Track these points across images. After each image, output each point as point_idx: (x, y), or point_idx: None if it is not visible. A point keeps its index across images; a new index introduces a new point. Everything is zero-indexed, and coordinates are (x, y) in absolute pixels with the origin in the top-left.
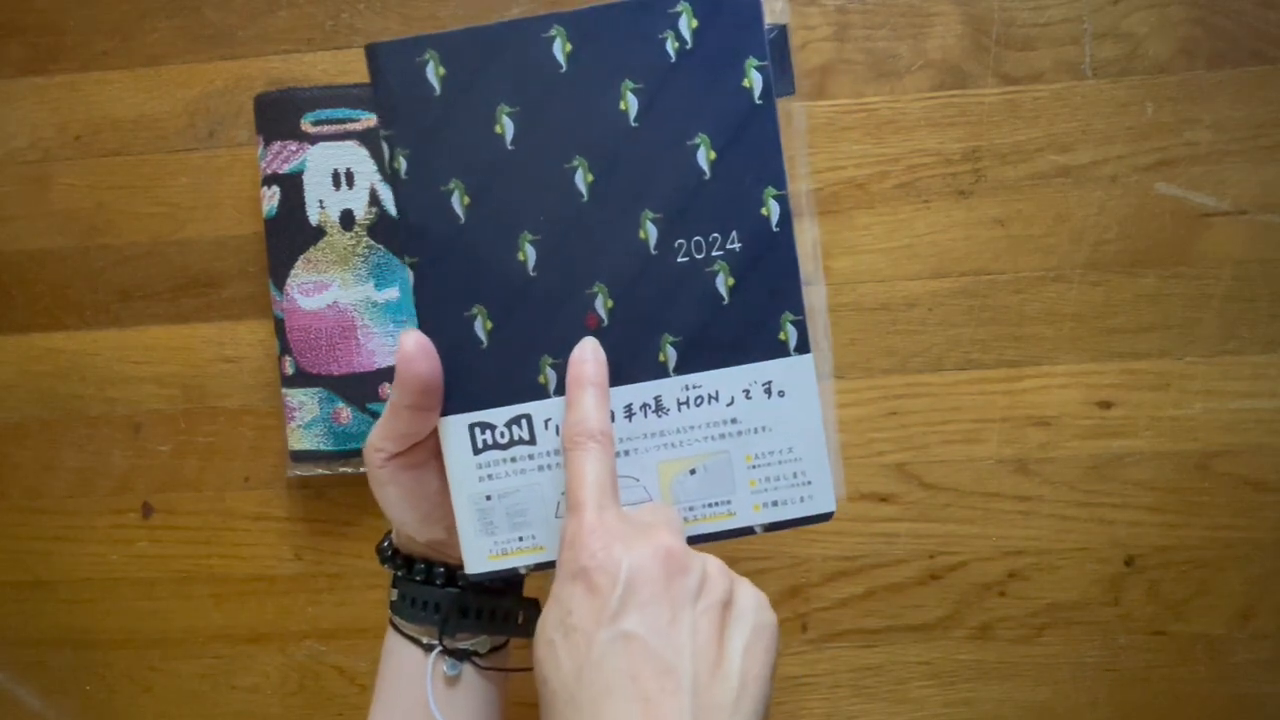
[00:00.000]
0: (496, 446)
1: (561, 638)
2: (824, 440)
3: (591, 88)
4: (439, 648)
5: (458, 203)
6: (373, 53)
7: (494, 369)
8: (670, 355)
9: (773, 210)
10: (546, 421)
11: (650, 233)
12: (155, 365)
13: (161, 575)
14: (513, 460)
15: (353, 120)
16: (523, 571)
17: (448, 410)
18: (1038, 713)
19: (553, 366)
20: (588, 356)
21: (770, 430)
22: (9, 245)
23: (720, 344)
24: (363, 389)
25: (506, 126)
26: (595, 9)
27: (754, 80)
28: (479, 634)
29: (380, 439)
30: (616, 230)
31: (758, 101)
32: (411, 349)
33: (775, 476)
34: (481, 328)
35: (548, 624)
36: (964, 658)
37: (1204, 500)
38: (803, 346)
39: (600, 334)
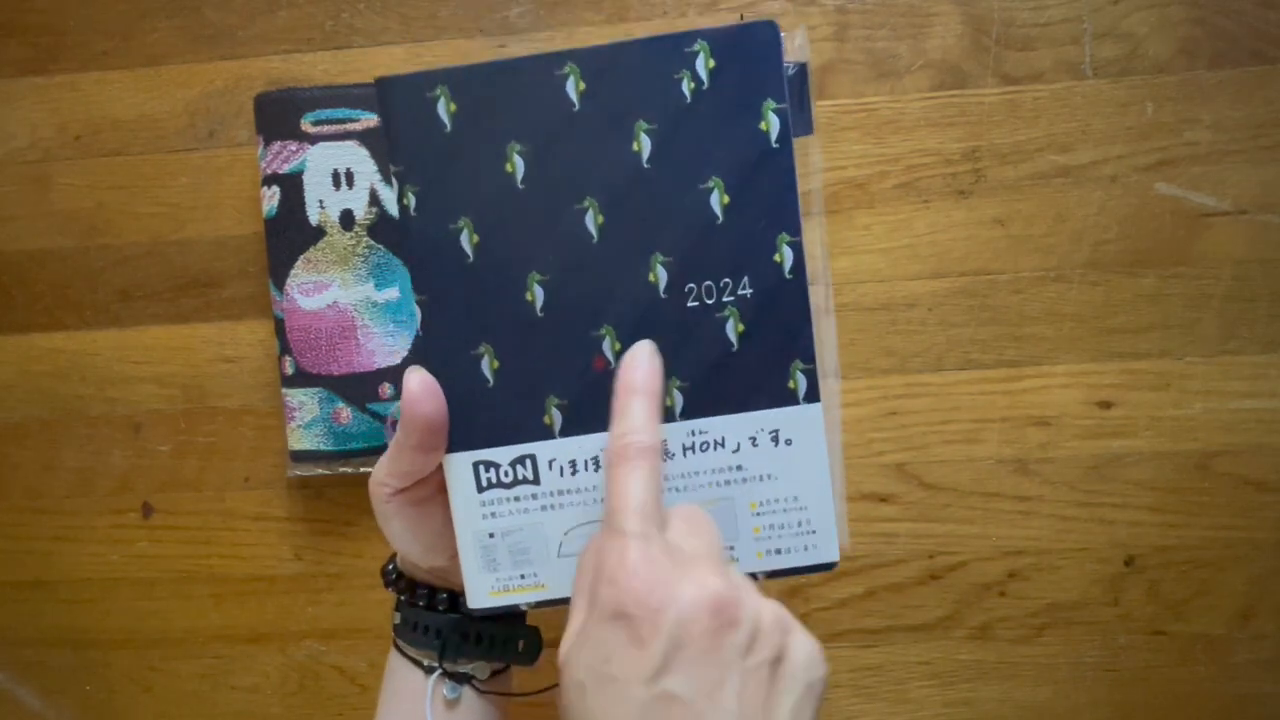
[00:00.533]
0: (500, 485)
1: (595, 684)
2: (830, 490)
3: (604, 127)
4: (439, 671)
5: (467, 241)
6: (383, 86)
7: (499, 408)
8: (677, 400)
9: (786, 257)
10: (551, 462)
11: (660, 276)
12: (155, 365)
13: (161, 575)
14: (516, 499)
15: (353, 120)
16: (524, 608)
17: (453, 448)
18: (1038, 713)
19: (558, 407)
20: (642, 362)
21: (776, 478)
22: (9, 245)
23: (728, 390)
24: (363, 389)
25: (517, 165)
26: (610, 46)
27: (771, 123)
28: (478, 659)
29: (385, 475)
30: (626, 273)
31: (774, 145)
32: (417, 389)
33: (779, 524)
34: (488, 367)
35: (580, 665)
36: (964, 658)
37: (1204, 500)
38: (812, 395)
39: (607, 377)
